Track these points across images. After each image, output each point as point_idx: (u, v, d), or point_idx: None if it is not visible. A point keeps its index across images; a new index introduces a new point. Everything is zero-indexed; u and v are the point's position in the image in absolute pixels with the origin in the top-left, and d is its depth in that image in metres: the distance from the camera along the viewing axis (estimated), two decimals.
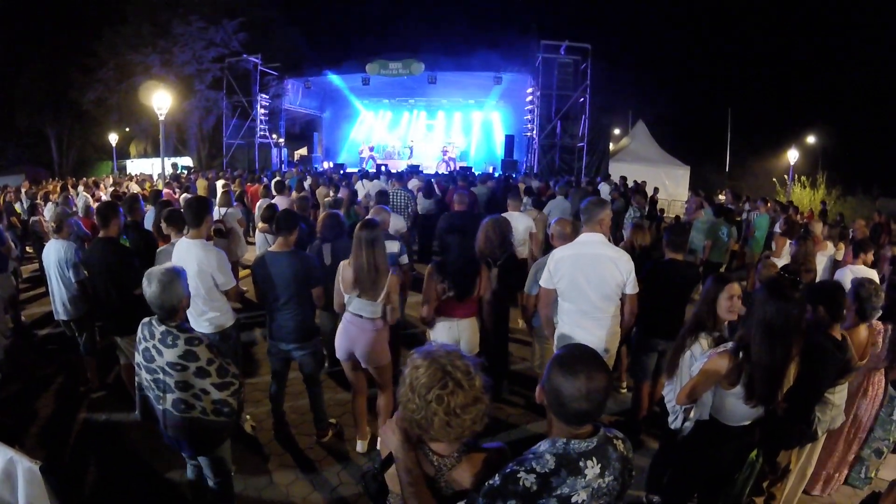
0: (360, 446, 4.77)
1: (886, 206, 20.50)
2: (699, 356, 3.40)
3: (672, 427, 3.66)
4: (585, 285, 4.11)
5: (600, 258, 4.09)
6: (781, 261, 7.85)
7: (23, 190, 15.35)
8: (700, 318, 3.63)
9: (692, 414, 3.39)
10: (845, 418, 3.96)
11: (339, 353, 4.52)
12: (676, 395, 3.44)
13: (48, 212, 10.91)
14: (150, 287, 3.04)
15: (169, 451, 3.61)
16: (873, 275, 5.72)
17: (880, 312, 4.03)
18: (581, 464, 1.80)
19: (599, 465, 1.83)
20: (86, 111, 28.26)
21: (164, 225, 5.60)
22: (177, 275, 3.12)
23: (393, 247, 5.64)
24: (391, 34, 33.96)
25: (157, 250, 5.68)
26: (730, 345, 3.12)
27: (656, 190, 17.29)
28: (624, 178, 17.83)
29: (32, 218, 10.57)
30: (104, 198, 13.62)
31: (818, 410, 3.72)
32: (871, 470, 4.53)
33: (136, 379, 3.30)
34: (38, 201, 12.04)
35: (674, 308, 4.88)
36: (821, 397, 3.67)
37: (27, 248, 11.64)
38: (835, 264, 7.94)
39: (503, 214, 6.19)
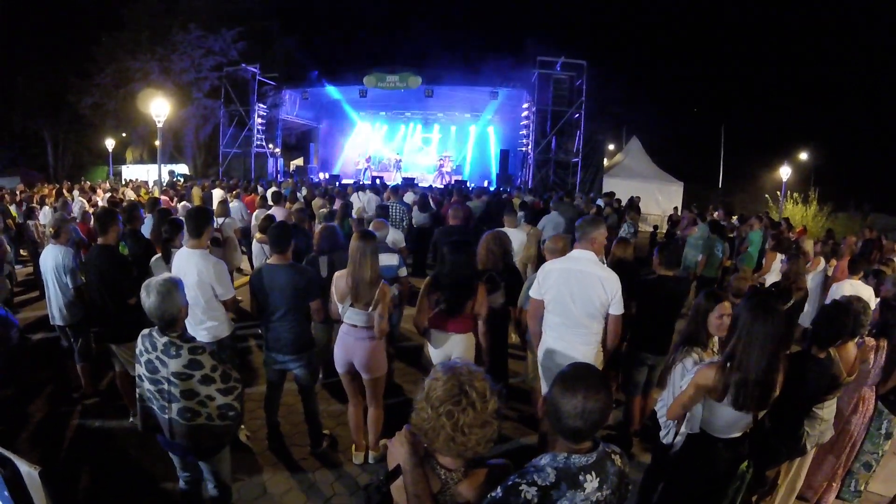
0: (356, 458, 4.79)
1: (878, 222, 20.68)
2: (690, 369, 3.45)
3: (664, 441, 3.71)
4: (570, 300, 4.16)
5: (588, 276, 4.13)
6: (771, 276, 7.94)
7: (18, 193, 15.31)
8: (690, 333, 3.71)
9: (683, 427, 3.43)
10: (834, 432, 4.02)
11: (338, 365, 4.54)
12: (667, 409, 3.49)
13: (44, 216, 10.90)
14: (148, 298, 3.04)
15: (163, 459, 3.63)
16: (867, 290, 5.81)
17: (867, 329, 4.12)
18: (580, 477, 1.86)
19: (598, 479, 1.89)
20: (83, 115, 28.17)
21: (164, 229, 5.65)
22: (175, 285, 3.13)
23: (392, 259, 5.70)
24: (389, 47, 34.13)
25: (152, 259, 5.71)
26: (717, 358, 3.19)
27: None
28: (612, 194, 17.92)
29: (28, 222, 10.56)
30: (100, 203, 13.63)
31: (807, 425, 3.78)
32: (860, 483, 4.60)
33: (138, 391, 3.30)
34: (34, 205, 12.00)
35: (664, 323, 4.97)
36: (807, 414, 3.74)
37: (21, 252, 11.64)
38: (826, 280, 8.03)
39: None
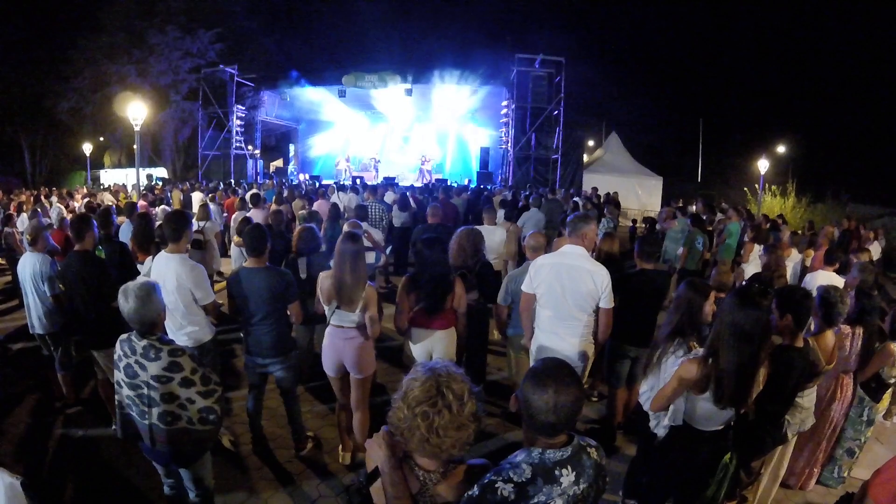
0: (344, 459, 4.79)
1: (856, 212, 20.94)
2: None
3: (654, 431, 3.73)
4: (561, 294, 4.24)
5: (578, 270, 4.21)
6: (750, 266, 8.06)
7: None
8: (677, 325, 3.66)
9: (666, 420, 3.46)
10: (815, 420, 4.07)
11: (328, 367, 4.55)
12: (651, 401, 3.51)
13: (21, 224, 10.75)
14: (127, 303, 3.03)
15: (147, 467, 3.60)
16: (840, 281, 5.91)
17: (844, 317, 4.18)
18: (556, 472, 1.87)
19: (574, 473, 1.90)
20: (60, 120, 27.82)
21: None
22: (152, 289, 3.12)
23: (368, 258, 5.70)
24: (368, 47, 33.92)
25: (146, 265, 5.62)
26: (700, 351, 3.21)
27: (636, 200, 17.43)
28: (595, 189, 18.07)
29: (6, 229, 10.40)
30: (79, 208, 13.47)
31: (787, 413, 3.83)
32: (843, 469, 4.69)
33: (117, 398, 3.28)
34: (12, 212, 11.83)
35: (645, 316, 5.03)
36: (789, 406, 3.78)
37: None
38: (803, 270, 8.16)
39: (478, 227, 6.25)
